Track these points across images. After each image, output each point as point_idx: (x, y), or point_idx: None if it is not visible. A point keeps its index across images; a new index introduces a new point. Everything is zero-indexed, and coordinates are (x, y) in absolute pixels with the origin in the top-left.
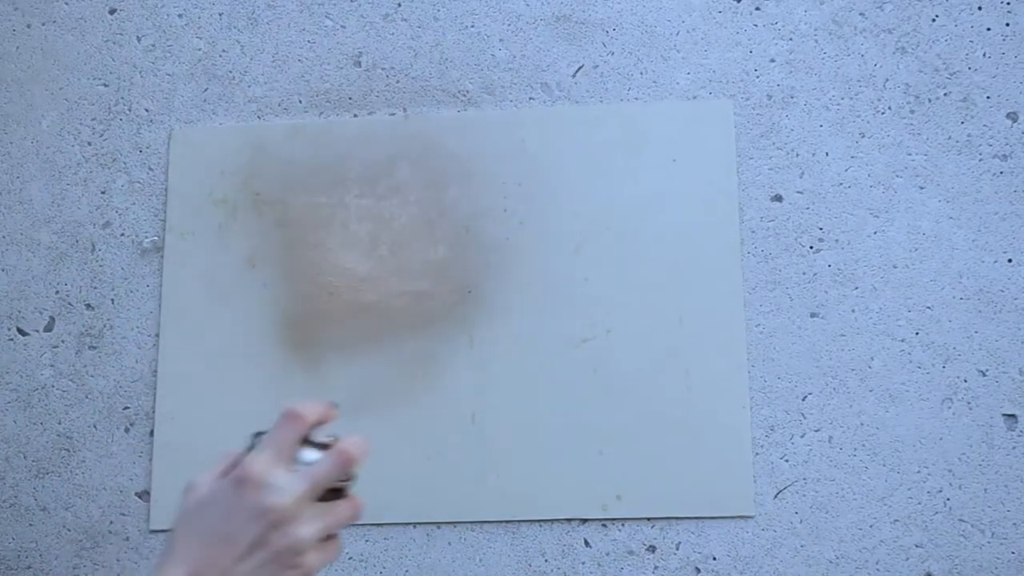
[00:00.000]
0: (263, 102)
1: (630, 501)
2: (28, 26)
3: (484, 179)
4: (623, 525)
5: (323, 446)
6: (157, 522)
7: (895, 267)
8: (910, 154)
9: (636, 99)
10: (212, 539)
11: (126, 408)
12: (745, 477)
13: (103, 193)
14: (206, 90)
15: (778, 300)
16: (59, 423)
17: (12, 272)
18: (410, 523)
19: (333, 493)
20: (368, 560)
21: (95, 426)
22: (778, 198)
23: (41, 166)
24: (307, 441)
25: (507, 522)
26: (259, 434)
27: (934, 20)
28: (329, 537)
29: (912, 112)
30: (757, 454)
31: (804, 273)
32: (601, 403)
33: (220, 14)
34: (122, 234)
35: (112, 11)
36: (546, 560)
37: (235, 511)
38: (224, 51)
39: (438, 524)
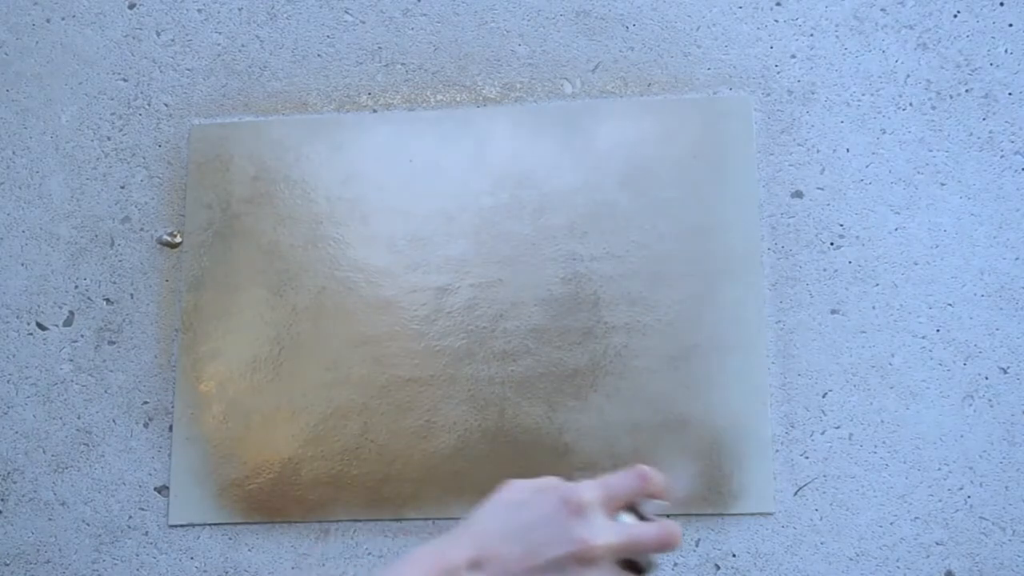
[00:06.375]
0: (282, 97)
1: None
2: (48, 20)
3: (502, 174)
4: None
5: (643, 517)
6: (176, 517)
7: (916, 264)
8: (931, 150)
9: (656, 95)
10: (515, 536)
11: (145, 403)
12: (765, 474)
13: (122, 188)
14: (225, 85)
15: (798, 296)
16: (78, 418)
17: (31, 267)
18: (429, 518)
19: (629, 565)
20: (387, 555)
21: (114, 421)
22: (799, 194)
23: (61, 161)
24: (630, 507)
25: None
26: (582, 470)
27: (955, 16)
28: None
29: (933, 108)
30: (777, 451)
31: (825, 270)
32: (621, 400)
33: (239, 9)
34: (141, 228)
35: (131, 6)
36: None
37: (550, 524)
38: (243, 46)
39: (457, 520)
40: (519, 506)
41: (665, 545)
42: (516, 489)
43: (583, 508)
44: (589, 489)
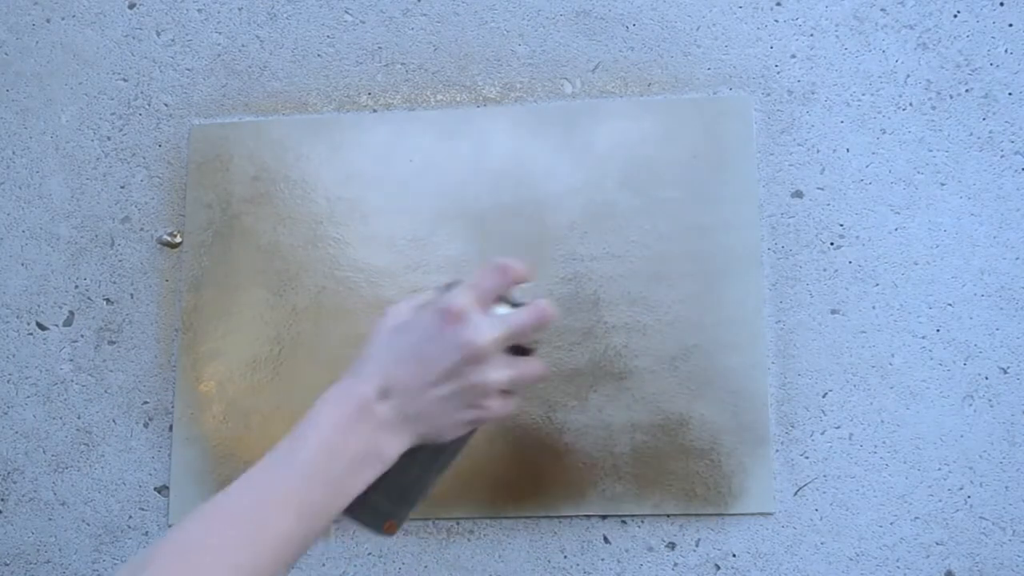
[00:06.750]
0: (282, 97)
1: (649, 498)
2: (48, 20)
3: (502, 174)
4: (642, 522)
5: (516, 304)
6: (176, 517)
7: (916, 264)
8: (931, 150)
9: (656, 95)
10: (408, 359)
11: (145, 403)
12: (765, 474)
13: (122, 188)
14: (225, 85)
15: (799, 296)
16: (78, 418)
17: (31, 266)
18: (429, 518)
19: (518, 352)
20: (387, 556)
21: (114, 421)
22: (799, 194)
23: (61, 161)
24: (502, 299)
25: (526, 518)
26: (450, 285)
27: (956, 16)
28: (509, 393)
29: (933, 108)
30: (777, 451)
31: (825, 270)
32: (621, 400)
33: (240, 9)
34: (141, 228)
35: (132, 6)
36: (565, 556)
37: (436, 338)
38: (243, 46)
39: (457, 520)
40: (403, 330)
41: (542, 322)
42: (395, 315)
43: (461, 314)
44: (461, 295)
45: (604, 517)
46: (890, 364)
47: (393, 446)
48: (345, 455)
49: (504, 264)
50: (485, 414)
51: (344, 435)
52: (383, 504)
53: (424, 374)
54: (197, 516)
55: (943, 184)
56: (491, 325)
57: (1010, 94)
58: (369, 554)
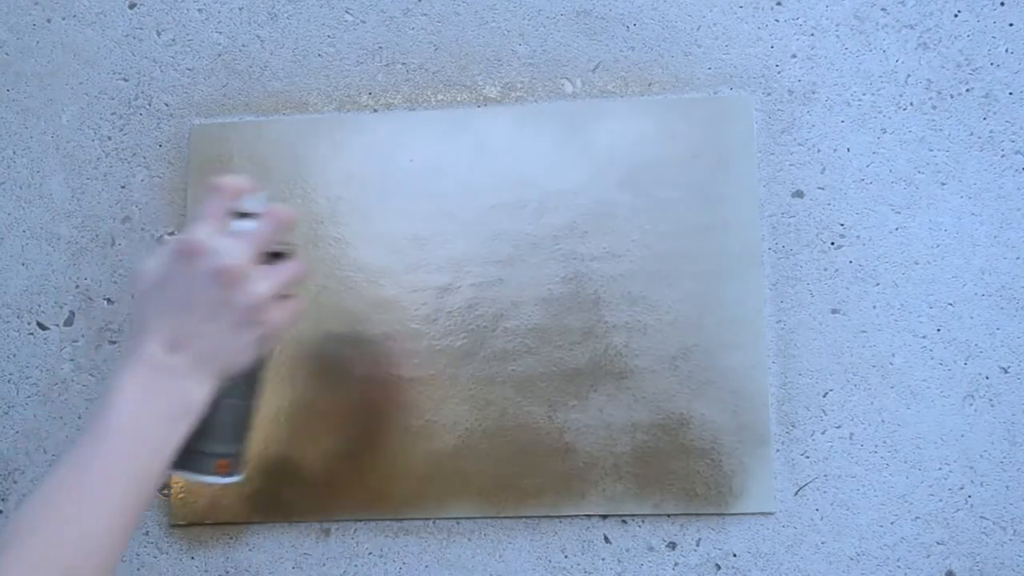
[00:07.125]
0: (282, 97)
1: (650, 498)
2: (48, 20)
3: (503, 173)
4: (643, 521)
5: (253, 214)
6: (177, 517)
7: (916, 263)
8: (932, 150)
9: (657, 94)
10: (176, 308)
11: None
12: (766, 474)
13: (123, 188)
14: (226, 85)
15: (799, 296)
16: (79, 418)
17: (32, 266)
18: (430, 518)
19: (276, 258)
20: (387, 555)
21: None
22: (799, 194)
23: (61, 160)
24: (238, 214)
25: (527, 518)
26: (172, 233)
27: (956, 15)
28: (285, 299)
29: (934, 108)
30: (777, 451)
31: (825, 269)
32: (621, 400)
33: (240, 8)
34: (142, 228)
35: (132, 5)
36: (566, 556)
37: (189, 279)
38: (244, 46)
39: (457, 520)
40: (159, 285)
41: (284, 225)
42: (145, 276)
43: (201, 247)
44: (199, 228)
45: (604, 517)
46: (891, 364)
47: (198, 392)
48: (154, 415)
49: (218, 183)
50: (269, 328)
51: (147, 397)
52: (208, 447)
53: (196, 315)
54: (29, 504)
55: (944, 184)
56: (233, 245)
57: (1011, 94)
58: (369, 553)
